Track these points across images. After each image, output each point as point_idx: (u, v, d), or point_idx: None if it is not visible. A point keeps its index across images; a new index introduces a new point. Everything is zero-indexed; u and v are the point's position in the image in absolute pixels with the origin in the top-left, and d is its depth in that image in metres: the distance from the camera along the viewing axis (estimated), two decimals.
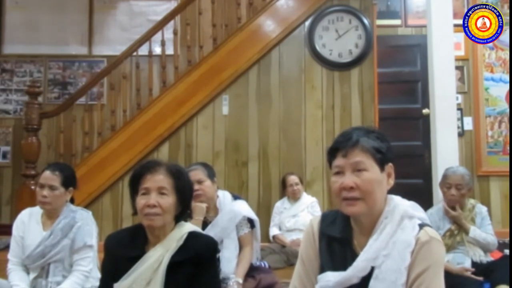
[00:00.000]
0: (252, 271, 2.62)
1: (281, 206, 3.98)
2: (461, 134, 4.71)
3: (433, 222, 2.83)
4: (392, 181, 1.34)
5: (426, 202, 3.60)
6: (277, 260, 3.41)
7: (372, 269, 1.26)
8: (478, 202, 3.05)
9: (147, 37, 4.37)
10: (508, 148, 4.70)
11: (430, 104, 3.95)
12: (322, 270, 1.34)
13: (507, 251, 3.29)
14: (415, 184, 4.61)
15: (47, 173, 2.31)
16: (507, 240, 3.61)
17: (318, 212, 3.75)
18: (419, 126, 4.82)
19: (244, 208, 2.66)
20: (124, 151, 4.16)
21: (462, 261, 2.79)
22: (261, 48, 4.25)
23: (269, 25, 4.31)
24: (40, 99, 4.35)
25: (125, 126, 4.25)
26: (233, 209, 2.61)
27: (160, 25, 4.37)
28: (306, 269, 1.39)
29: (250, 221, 2.67)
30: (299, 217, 3.83)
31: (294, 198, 3.94)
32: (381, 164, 1.30)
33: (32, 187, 3.81)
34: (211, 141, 4.24)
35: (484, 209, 2.96)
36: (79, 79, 5.07)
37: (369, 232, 1.30)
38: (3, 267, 2.39)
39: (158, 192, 1.57)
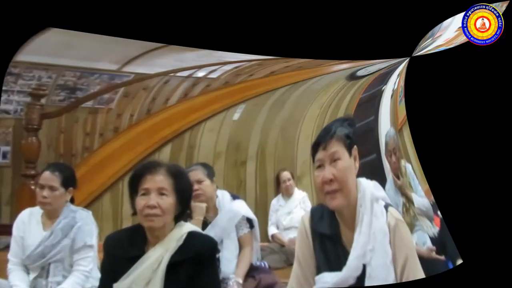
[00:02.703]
0: (252, 271, 2.63)
1: (276, 204, 3.99)
2: None
3: (392, 198, 2.41)
4: (357, 164, 1.41)
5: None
6: (276, 260, 3.42)
7: (365, 267, 1.30)
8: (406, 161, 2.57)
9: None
10: None
11: None
12: (319, 270, 1.37)
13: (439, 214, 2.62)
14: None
15: (47, 173, 2.35)
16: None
17: (309, 207, 3.75)
18: None
19: (243, 208, 2.68)
20: (125, 151, 4.15)
21: (425, 239, 2.36)
22: None
23: None
24: (43, 100, 4.31)
25: (129, 128, 4.21)
26: (232, 209, 2.63)
27: None
28: (302, 268, 1.43)
29: (249, 221, 2.69)
30: (294, 214, 3.82)
31: (288, 194, 3.94)
32: (349, 149, 1.37)
33: (32, 187, 3.81)
34: (214, 143, 4.22)
35: (410, 166, 2.54)
36: (92, 86, 4.89)
37: (352, 224, 1.37)
38: (3, 267, 2.39)
39: (158, 193, 1.58)
